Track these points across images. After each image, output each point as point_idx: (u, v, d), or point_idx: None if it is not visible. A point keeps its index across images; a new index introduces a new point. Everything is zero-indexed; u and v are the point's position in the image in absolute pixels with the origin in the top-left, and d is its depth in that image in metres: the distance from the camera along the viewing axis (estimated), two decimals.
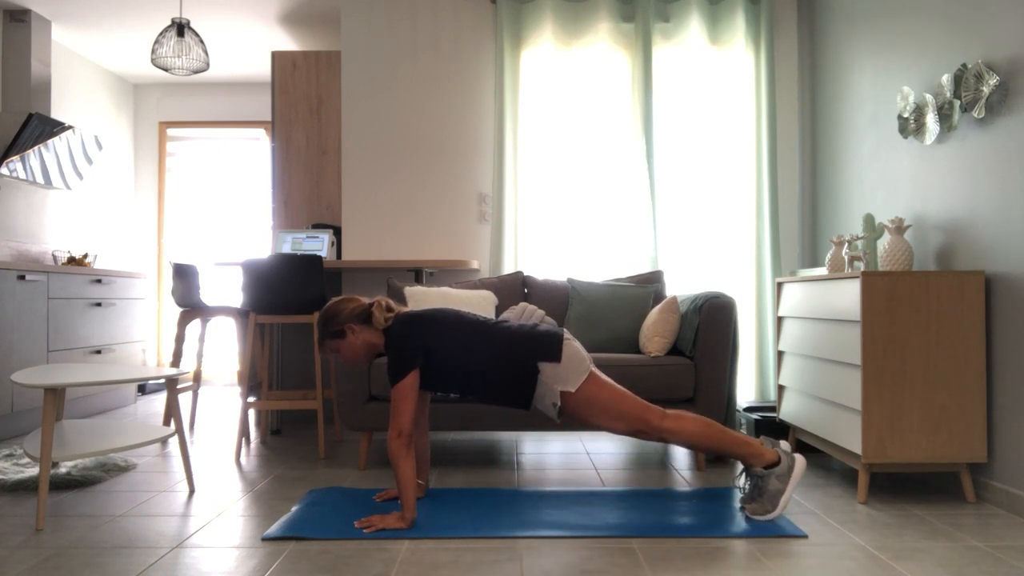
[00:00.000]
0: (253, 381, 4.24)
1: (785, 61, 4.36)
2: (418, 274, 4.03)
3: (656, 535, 2.27)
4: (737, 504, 2.59)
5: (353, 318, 2.51)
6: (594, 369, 2.54)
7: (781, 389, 3.44)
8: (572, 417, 2.50)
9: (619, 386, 2.50)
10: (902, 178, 3.23)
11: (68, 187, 5.19)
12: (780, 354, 3.46)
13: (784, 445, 2.48)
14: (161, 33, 4.05)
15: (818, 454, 3.46)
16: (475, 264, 4.11)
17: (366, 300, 2.57)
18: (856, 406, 2.66)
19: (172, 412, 2.77)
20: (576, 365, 2.45)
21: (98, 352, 4.67)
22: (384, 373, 3.14)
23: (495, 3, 4.26)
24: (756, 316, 4.18)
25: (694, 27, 4.20)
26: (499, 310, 3.71)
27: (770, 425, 3.48)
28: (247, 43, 5.40)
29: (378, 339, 2.53)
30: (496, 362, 2.44)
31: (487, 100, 4.37)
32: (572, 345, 2.49)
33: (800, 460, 2.43)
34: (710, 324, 3.17)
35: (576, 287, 3.70)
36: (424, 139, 4.37)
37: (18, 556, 2.12)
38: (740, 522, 2.38)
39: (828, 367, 2.91)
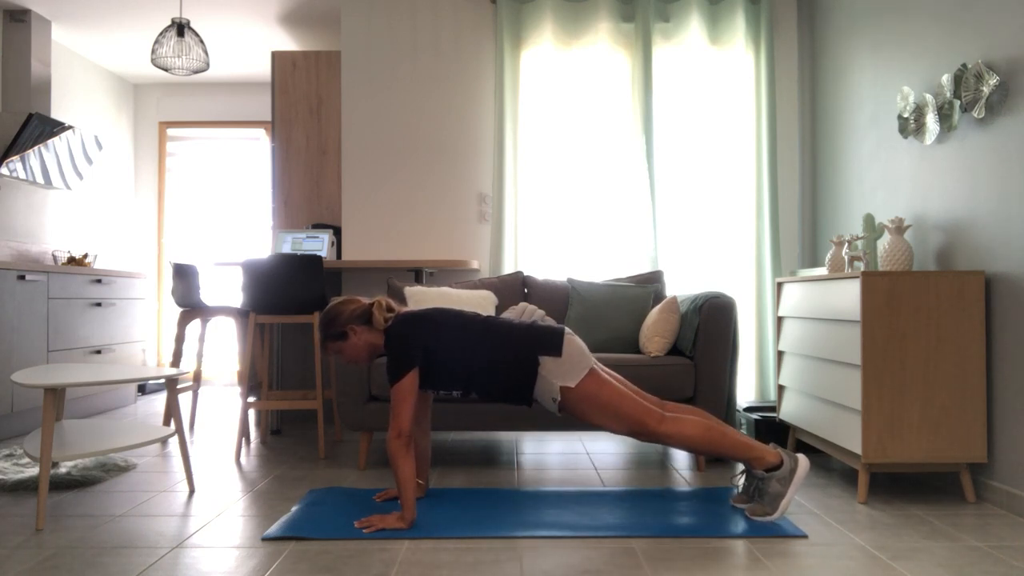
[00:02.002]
0: (253, 381, 4.24)
1: (785, 61, 4.36)
2: (418, 274, 4.03)
3: (656, 535, 2.27)
4: (730, 501, 2.60)
5: (354, 319, 2.51)
6: (596, 365, 2.55)
7: (781, 389, 3.44)
8: (571, 414, 2.50)
9: (620, 386, 2.51)
10: (902, 178, 3.23)
11: (68, 187, 5.19)
12: (780, 354, 3.46)
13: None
14: (161, 33, 4.05)
15: (818, 454, 3.46)
16: (475, 264, 4.11)
17: (366, 301, 2.57)
18: (856, 406, 2.66)
19: (172, 412, 2.77)
20: (577, 360, 2.46)
21: (98, 352, 4.67)
22: (384, 373, 3.14)
23: (495, 3, 4.26)
24: (756, 316, 4.18)
25: (694, 27, 4.20)
26: (499, 310, 3.71)
27: (770, 425, 3.48)
28: (247, 43, 5.40)
29: (379, 339, 2.53)
30: (497, 359, 2.45)
31: (487, 100, 4.37)
32: (573, 341, 2.50)
33: (803, 463, 2.43)
34: (710, 324, 3.17)
35: (576, 287, 3.70)
36: (424, 139, 4.37)
37: (18, 556, 2.12)
38: (740, 522, 2.38)
39: (828, 367, 2.91)
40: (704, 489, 2.81)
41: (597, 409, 2.44)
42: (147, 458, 3.39)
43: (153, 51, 4.04)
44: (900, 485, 2.91)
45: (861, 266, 3.22)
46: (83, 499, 2.71)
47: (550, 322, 2.64)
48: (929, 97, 2.94)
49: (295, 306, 3.52)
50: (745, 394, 4.17)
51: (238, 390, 5.85)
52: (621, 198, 4.22)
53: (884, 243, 3.23)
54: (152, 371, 2.77)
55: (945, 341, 2.62)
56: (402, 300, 3.64)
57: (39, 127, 4.70)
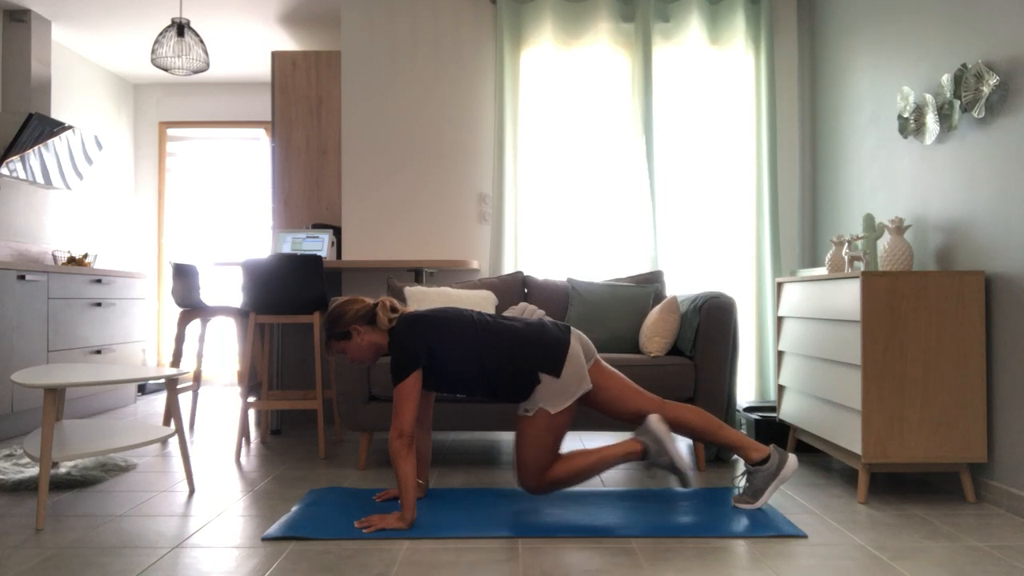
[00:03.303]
0: (253, 381, 4.24)
1: (785, 61, 4.36)
2: (418, 274, 4.02)
3: (656, 535, 2.27)
4: (732, 502, 2.61)
5: (358, 319, 2.51)
6: (602, 363, 2.59)
7: (781, 389, 3.44)
8: (519, 430, 2.50)
9: (559, 441, 2.51)
10: (902, 178, 3.23)
11: (68, 187, 5.19)
12: (780, 354, 3.46)
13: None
14: (161, 33, 4.05)
15: (818, 454, 3.46)
16: (475, 264, 4.11)
17: (370, 301, 2.57)
18: (856, 406, 2.66)
19: (172, 412, 2.77)
20: (570, 385, 2.45)
21: (98, 352, 4.67)
22: (384, 373, 3.14)
23: (495, 3, 4.26)
24: (756, 316, 4.18)
25: (694, 27, 4.20)
26: (499, 310, 3.71)
27: (770, 425, 3.48)
28: (247, 43, 5.40)
29: (383, 340, 2.53)
30: (500, 363, 2.44)
31: (487, 100, 4.37)
32: (573, 361, 2.48)
33: (791, 462, 2.49)
34: (710, 324, 3.17)
35: (576, 287, 3.70)
36: (424, 139, 4.37)
37: (18, 556, 2.12)
38: (740, 522, 2.38)
39: (828, 367, 2.91)
40: (704, 489, 2.81)
41: (534, 443, 2.45)
42: (147, 458, 3.39)
43: (153, 51, 4.04)
44: (900, 485, 2.91)
45: (861, 266, 3.22)
46: (83, 499, 2.71)
47: (550, 322, 2.64)
48: (929, 97, 2.94)
49: (295, 306, 3.52)
50: (745, 394, 4.17)
51: (238, 390, 5.85)
52: (621, 198, 4.22)
53: (884, 243, 3.24)
54: (152, 371, 2.77)
55: (945, 341, 2.62)
56: (402, 300, 3.64)
57: (39, 127, 4.70)
